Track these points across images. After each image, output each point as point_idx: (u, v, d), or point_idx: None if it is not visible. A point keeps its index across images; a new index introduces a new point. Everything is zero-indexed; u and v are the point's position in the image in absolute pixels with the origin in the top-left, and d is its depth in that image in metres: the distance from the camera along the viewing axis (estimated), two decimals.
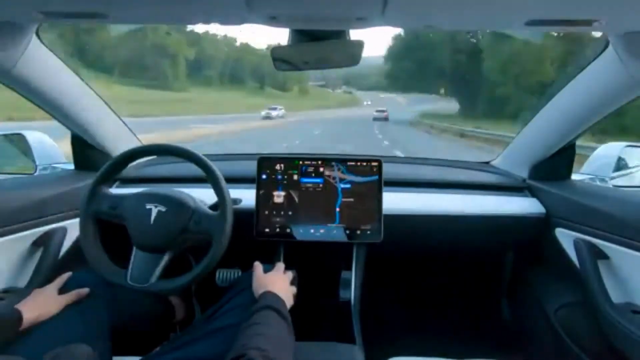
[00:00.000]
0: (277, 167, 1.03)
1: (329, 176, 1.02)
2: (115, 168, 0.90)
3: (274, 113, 21.25)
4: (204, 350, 0.71)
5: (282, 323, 0.66)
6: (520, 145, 1.23)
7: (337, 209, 1.01)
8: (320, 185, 1.02)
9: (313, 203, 1.02)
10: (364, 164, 1.02)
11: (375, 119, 21.00)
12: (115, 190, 1.09)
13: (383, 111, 22.33)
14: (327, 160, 1.03)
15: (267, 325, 0.63)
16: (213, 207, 0.93)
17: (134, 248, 0.84)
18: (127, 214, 0.84)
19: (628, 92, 0.83)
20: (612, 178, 1.25)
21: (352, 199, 1.01)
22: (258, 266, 0.83)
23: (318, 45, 0.72)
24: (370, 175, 1.02)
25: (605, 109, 0.90)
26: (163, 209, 0.84)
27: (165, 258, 0.84)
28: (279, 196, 1.02)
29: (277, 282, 0.78)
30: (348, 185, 1.02)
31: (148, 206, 0.84)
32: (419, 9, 0.59)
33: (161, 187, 0.92)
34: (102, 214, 0.85)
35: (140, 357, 0.74)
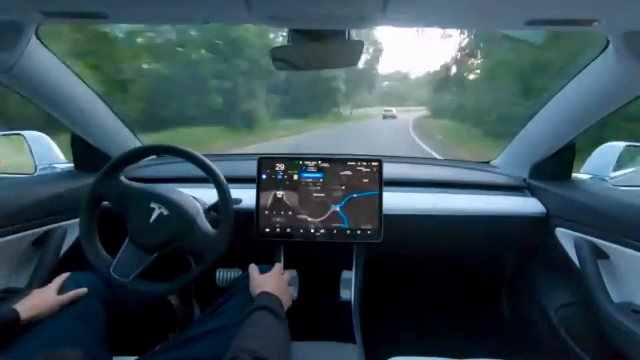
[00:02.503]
0: (278, 167, 1.03)
1: (328, 176, 1.02)
2: (122, 163, 0.89)
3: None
4: (202, 350, 0.71)
5: (277, 323, 0.66)
6: (520, 145, 1.23)
7: (337, 209, 1.01)
8: (320, 185, 1.02)
9: (313, 203, 1.02)
10: (364, 163, 1.02)
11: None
12: None
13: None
14: (327, 160, 1.03)
15: (260, 326, 0.64)
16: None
17: (126, 240, 0.85)
18: (130, 206, 0.85)
19: (628, 92, 0.83)
20: (612, 178, 1.25)
21: (352, 199, 1.01)
22: (253, 268, 0.83)
23: (318, 45, 0.72)
24: (371, 175, 1.02)
25: (605, 108, 0.90)
26: (165, 212, 0.84)
27: (151, 258, 0.84)
28: (279, 196, 1.02)
29: (274, 283, 0.78)
30: (348, 185, 1.02)
31: (152, 205, 0.84)
32: (419, 9, 0.59)
33: (168, 187, 0.92)
34: (108, 197, 0.86)
35: (139, 357, 0.74)
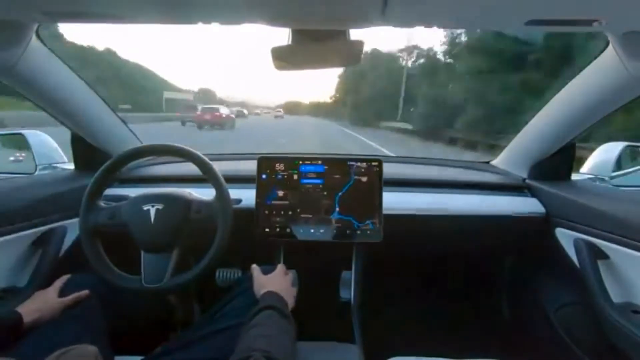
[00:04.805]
0: (277, 167, 1.03)
1: (329, 176, 1.02)
2: (112, 170, 0.89)
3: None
4: (205, 351, 0.71)
5: (285, 323, 0.66)
6: (520, 145, 1.23)
7: (337, 209, 1.01)
8: (320, 186, 1.02)
9: (313, 203, 1.02)
10: (364, 163, 1.02)
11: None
12: (114, 191, 1.09)
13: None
14: (327, 160, 1.03)
15: (270, 326, 0.63)
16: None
17: (142, 252, 0.84)
18: (126, 220, 0.84)
19: (628, 92, 0.83)
20: (612, 178, 1.25)
21: (352, 199, 1.01)
22: (256, 269, 0.83)
23: (318, 45, 0.72)
24: (370, 175, 1.02)
25: (605, 108, 0.90)
26: (161, 206, 0.84)
27: (175, 254, 0.84)
28: (279, 196, 1.02)
29: (278, 283, 0.78)
30: (348, 185, 1.02)
31: (145, 207, 0.84)
32: (419, 9, 0.59)
33: (157, 186, 0.92)
34: (101, 226, 0.85)
35: (140, 357, 0.74)
